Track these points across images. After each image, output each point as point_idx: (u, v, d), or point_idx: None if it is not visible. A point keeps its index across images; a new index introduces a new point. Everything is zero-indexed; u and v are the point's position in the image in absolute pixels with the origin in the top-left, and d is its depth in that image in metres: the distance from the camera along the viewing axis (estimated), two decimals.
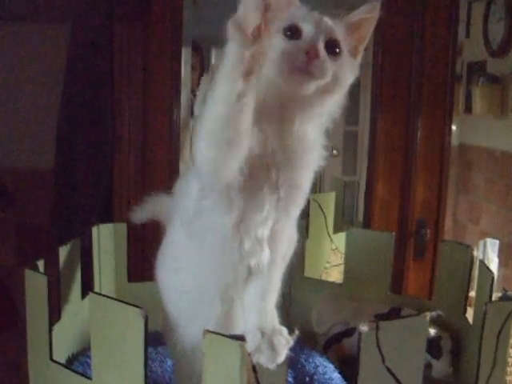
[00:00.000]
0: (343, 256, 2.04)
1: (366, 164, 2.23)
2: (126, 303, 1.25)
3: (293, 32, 1.15)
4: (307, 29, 1.15)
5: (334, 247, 2.25)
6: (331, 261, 2.22)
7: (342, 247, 2.08)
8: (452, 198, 4.07)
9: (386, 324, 1.24)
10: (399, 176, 2.12)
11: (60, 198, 2.26)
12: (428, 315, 1.29)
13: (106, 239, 1.81)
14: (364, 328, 1.23)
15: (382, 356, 1.24)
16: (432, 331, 1.68)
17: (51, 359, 1.43)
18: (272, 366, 1.16)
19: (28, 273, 1.44)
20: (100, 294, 1.31)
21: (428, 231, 2.13)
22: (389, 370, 1.26)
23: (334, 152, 3.05)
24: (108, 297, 1.29)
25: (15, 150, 2.49)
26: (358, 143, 2.92)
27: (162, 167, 2.05)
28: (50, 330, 1.43)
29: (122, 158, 2.05)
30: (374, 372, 1.25)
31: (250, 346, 1.18)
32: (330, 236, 2.23)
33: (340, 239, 2.18)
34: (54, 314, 1.53)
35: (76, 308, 1.65)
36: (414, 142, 2.12)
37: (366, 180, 2.15)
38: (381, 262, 1.82)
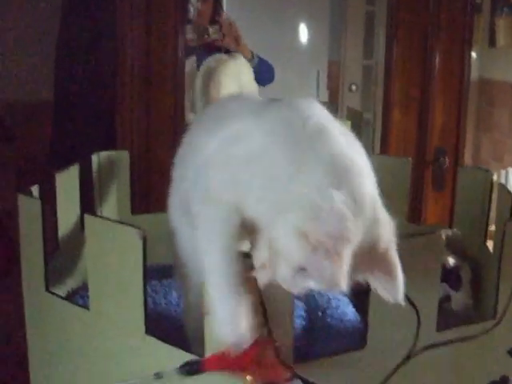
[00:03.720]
0: None
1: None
2: (124, 224, 1.18)
3: None
4: None
5: None
6: None
7: None
8: (473, 136, 3.95)
9: (401, 243, 1.16)
10: (417, 103, 2.02)
11: (60, 131, 2.19)
12: (444, 233, 1.21)
13: (108, 168, 1.73)
14: None
15: None
16: (451, 261, 1.60)
17: (47, 290, 1.37)
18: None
19: (21, 198, 1.37)
20: (96, 216, 1.24)
21: (447, 160, 2.03)
22: None
23: (353, 87, 2.97)
24: (105, 218, 1.22)
25: (13, 83, 2.40)
26: (374, 75, 2.83)
27: (166, 91, 1.96)
28: (46, 259, 1.36)
29: (124, 83, 1.95)
30: None
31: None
32: None
33: None
34: (51, 245, 1.45)
35: (76, 240, 1.57)
36: (431, 69, 2.02)
37: (382, 108, 2.06)
38: (398, 190, 1.73)
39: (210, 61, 2.51)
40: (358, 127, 2.37)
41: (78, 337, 1.32)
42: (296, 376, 1.14)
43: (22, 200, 1.38)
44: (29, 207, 1.36)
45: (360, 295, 1.54)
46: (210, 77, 2.46)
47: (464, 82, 2.02)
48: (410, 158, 1.74)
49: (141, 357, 1.22)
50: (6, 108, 2.34)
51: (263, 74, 2.65)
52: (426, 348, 1.23)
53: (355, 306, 1.55)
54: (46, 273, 1.36)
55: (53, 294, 1.37)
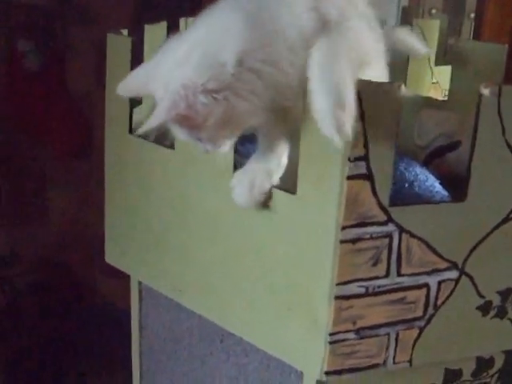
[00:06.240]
0: (445, 90, 1.88)
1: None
2: None
3: None
4: None
5: (434, 81, 2.07)
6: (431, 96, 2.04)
7: (443, 82, 1.92)
8: None
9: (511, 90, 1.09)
10: None
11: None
12: None
13: None
14: (485, 91, 1.09)
15: (503, 127, 1.11)
16: None
17: (130, 133, 1.33)
18: None
19: (110, 37, 1.33)
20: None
21: None
22: (508, 144, 1.12)
23: (433, 11, 2.87)
24: None
25: None
26: None
27: None
28: (131, 101, 1.33)
29: None
30: (492, 144, 1.12)
31: None
32: (431, 68, 2.05)
33: (441, 73, 2.00)
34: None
35: None
36: None
37: (475, 6, 1.96)
38: (490, 79, 1.65)
39: None
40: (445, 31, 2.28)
41: (161, 179, 1.29)
42: (391, 220, 1.08)
43: (111, 39, 1.34)
44: (118, 46, 1.32)
45: (447, 181, 1.48)
46: None
47: None
48: (505, 45, 1.65)
49: (227, 195, 1.17)
50: None
51: None
52: None
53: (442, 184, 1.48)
54: (130, 115, 1.32)
55: (137, 136, 1.32)
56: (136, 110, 1.38)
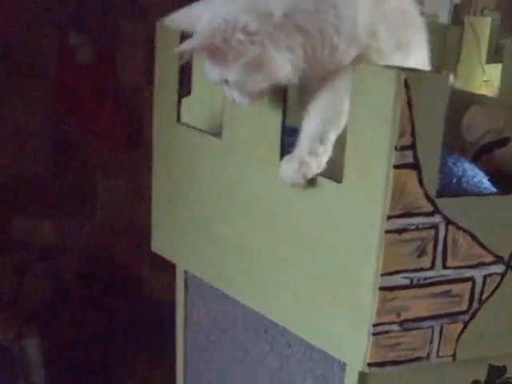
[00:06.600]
0: (496, 88, 1.86)
1: None
2: None
3: None
4: None
5: (485, 79, 2.06)
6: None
7: (494, 79, 1.90)
8: None
9: None
10: None
11: None
12: None
13: None
14: None
15: None
16: None
17: (178, 121, 1.33)
18: None
19: (159, 26, 1.33)
20: None
21: None
22: None
23: (485, 11, 2.83)
24: None
25: None
26: None
27: None
28: (179, 91, 1.32)
29: None
30: None
31: None
32: (482, 66, 2.04)
33: (492, 71, 1.99)
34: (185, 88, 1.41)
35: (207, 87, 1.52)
36: None
37: None
38: None
39: None
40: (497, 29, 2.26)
41: (207, 167, 1.30)
42: (437, 211, 1.07)
43: (159, 28, 1.34)
44: (166, 36, 1.32)
45: (495, 178, 1.46)
46: None
47: None
48: None
49: (273, 184, 1.17)
50: None
51: None
52: None
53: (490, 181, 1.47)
54: (178, 104, 1.33)
55: (184, 124, 1.33)
56: (184, 100, 1.39)
